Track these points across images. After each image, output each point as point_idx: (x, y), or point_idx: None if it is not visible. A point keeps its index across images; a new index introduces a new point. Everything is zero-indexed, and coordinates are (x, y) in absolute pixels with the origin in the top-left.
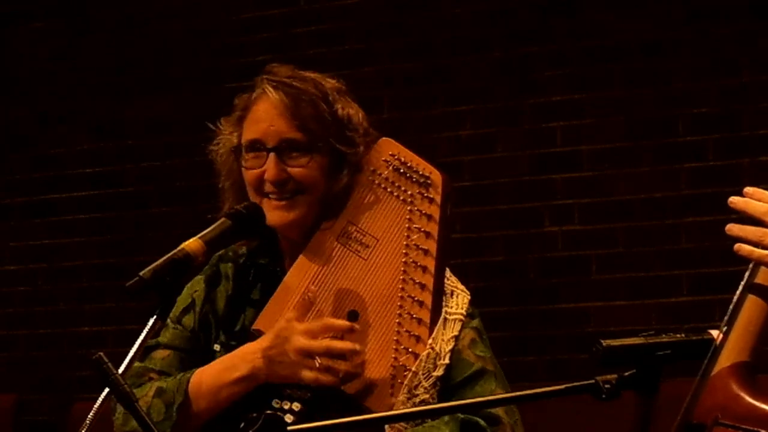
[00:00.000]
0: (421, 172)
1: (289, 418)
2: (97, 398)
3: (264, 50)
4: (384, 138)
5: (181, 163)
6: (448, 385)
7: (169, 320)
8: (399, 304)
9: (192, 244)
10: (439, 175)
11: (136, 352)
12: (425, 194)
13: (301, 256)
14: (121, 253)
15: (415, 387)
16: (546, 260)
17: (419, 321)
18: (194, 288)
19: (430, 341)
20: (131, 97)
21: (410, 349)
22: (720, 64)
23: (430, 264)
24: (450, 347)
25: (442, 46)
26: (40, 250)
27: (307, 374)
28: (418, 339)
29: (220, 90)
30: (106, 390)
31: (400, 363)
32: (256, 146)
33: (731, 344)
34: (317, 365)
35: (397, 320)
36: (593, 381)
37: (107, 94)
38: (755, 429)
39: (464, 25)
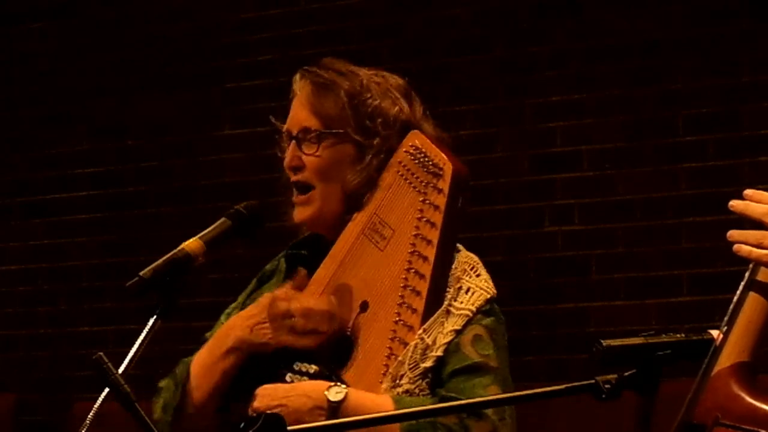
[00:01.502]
0: (434, 162)
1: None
2: (97, 398)
3: (264, 50)
4: (413, 131)
5: (181, 163)
6: (440, 375)
7: (222, 317)
8: (400, 293)
9: (192, 244)
10: (450, 166)
11: (136, 352)
12: (435, 184)
13: (332, 249)
14: (121, 253)
15: (400, 376)
16: (546, 260)
17: (413, 310)
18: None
19: (420, 332)
20: (131, 97)
21: (402, 338)
22: (720, 64)
23: (431, 254)
24: (447, 340)
25: (442, 46)
26: (40, 250)
27: (287, 337)
28: (410, 328)
29: (220, 90)
30: (106, 390)
31: (393, 351)
32: (287, 136)
33: (731, 344)
34: (297, 327)
35: (396, 310)
36: (593, 381)
37: (107, 94)
38: (755, 429)
39: (464, 25)
